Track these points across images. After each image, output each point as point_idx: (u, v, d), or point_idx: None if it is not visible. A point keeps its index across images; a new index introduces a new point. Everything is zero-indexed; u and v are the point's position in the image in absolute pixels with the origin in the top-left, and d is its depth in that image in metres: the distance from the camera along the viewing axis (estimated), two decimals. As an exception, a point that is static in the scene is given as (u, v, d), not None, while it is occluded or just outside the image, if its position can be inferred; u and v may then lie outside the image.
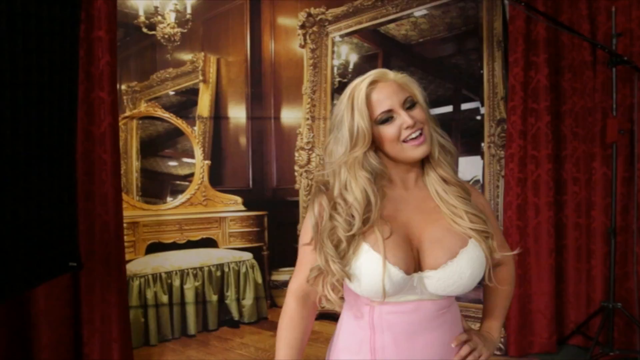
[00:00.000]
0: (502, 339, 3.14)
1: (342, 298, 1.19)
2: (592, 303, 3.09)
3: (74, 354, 2.49)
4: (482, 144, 3.26)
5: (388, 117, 1.15)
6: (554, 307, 3.10)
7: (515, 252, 1.25)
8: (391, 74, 1.19)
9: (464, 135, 3.36)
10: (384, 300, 1.11)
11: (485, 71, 3.23)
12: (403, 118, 1.13)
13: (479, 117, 3.28)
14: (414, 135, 1.14)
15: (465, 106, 3.34)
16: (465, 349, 1.16)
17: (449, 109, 3.36)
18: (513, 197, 3.08)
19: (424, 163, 1.22)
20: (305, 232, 1.20)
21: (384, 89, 1.15)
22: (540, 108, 3.06)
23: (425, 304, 1.14)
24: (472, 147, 3.33)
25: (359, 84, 1.16)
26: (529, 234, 3.10)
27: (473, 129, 3.31)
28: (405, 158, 1.16)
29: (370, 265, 1.09)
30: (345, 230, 1.11)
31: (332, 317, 1.27)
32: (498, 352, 3.13)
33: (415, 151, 1.15)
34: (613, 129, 2.81)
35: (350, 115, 1.15)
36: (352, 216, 1.12)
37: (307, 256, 1.19)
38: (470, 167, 3.34)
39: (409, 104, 1.15)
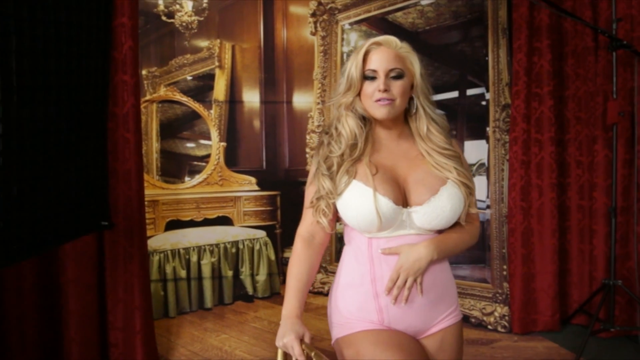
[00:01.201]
0: (506, 317, 3.24)
1: (331, 221, 1.35)
2: (595, 282, 3.17)
3: (100, 320, 2.63)
4: (487, 129, 3.36)
5: (372, 76, 1.31)
6: (557, 286, 3.19)
7: (481, 211, 1.41)
8: (395, 45, 1.34)
9: (469, 120, 3.46)
10: (380, 227, 1.25)
11: (490, 58, 3.33)
12: (379, 82, 1.29)
13: (484, 103, 3.39)
14: (382, 100, 1.30)
15: (470, 92, 3.44)
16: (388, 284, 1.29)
17: (454, 94, 3.46)
18: (517, 179, 3.18)
19: (415, 136, 1.38)
20: (310, 172, 1.37)
21: (381, 53, 1.31)
22: (543, 92, 3.16)
23: (414, 237, 1.30)
24: (477, 131, 3.44)
25: (367, 41, 1.32)
26: (532, 215, 3.20)
27: (478, 114, 3.41)
28: (372, 114, 1.33)
29: (362, 197, 1.25)
30: (335, 152, 1.30)
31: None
32: (502, 330, 3.23)
33: (377, 110, 1.32)
34: (613, 111, 2.90)
35: (350, 64, 1.31)
36: (341, 142, 1.31)
37: (311, 195, 1.35)
38: (475, 151, 3.44)
39: (394, 75, 1.31)
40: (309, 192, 1.37)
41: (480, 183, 3.43)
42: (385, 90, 1.29)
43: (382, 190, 1.27)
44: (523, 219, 3.18)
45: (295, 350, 1.23)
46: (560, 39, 3.24)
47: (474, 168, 3.45)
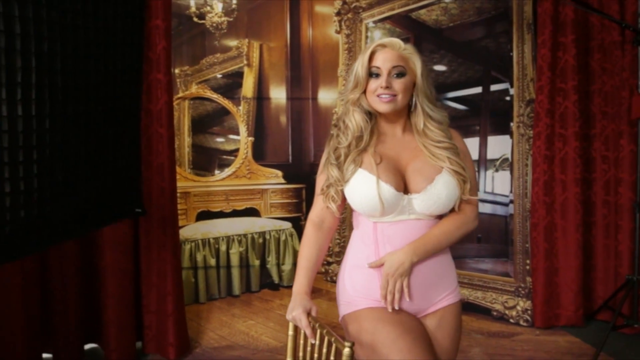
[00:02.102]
0: (529, 311, 3.26)
1: (340, 207, 1.47)
2: (620, 278, 3.15)
3: (135, 304, 2.80)
4: (511, 124, 3.38)
5: (375, 73, 1.42)
6: (581, 281, 3.19)
7: (477, 197, 1.47)
8: (399, 47, 1.45)
9: (493, 115, 3.49)
10: (383, 211, 1.36)
11: (514, 53, 3.35)
12: (382, 79, 1.40)
13: (508, 98, 3.40)
14: (384, 96, 1.40)
15: (494, 87, 3.46)
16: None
17: (478, 90, 3.49)
18: (540, 173, 3.20)
19: (414, 132, 1.48)
20: (321, 162, 1.48)
21: (385, 54, 1.42)
22: (568, 87, 3.16)
23: (415, 222, 1.41)
24: (501, 126, 3.46)
25: (373, 43, 1.43)
26: (556, 210, 3.21)
27: (502, 109, 3.44)
28: (375, 108, 1.44)
29: (367, 184, 1.36)
30: (343, 143, 1.41)
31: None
32: (525, 324, 3.26)
33: (380, 105, 1.42)
34: (638, 105, 2.88)
35: (358, 64, 1.42)
36: (348, 134, 1.42)
37: (321, 183, 1.47)
38: (499, 146, 3.47)
39: (397, 72, 1.41)
40: (320, 181, 1.49)
41: (503, 178, 3.46)
42: (387, 87, 1.40)
43: (385, 178, 1.38)
44: (546, 213, 3.19)
45: (303, 322, 1.36)
46: (586, 34, 3.22)
47: (497, 163, 3.48)
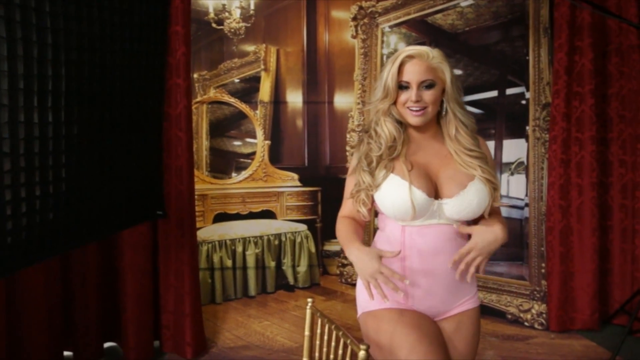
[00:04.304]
0: (544, 315, 3.25)
1: (369, 210, 1.49)
2: (637, 282, 3.14)
3: (153, 304, 2.86)
4: (527, 127, 3.38)
5: (405, 86, 1.44)
6: (597, 285, 3.18)
7: (504, 203, 1.50)
8: (428, 57, 1.44)
9: (509, 119, 3.48)
10: (414, 216, 1.38)
11: (531, 57, 3.34)
12: (412, 93, 1.42)
13: (524, 102, 3.40)
14: (415, 108, 1.42)
15: (510, 91, 3.46)
16: (461, 253, 1.39)
17: (494, 93, 3.49)
18: (555, 177, 3.19)
19: (445, 137, 1.50)
20: (351, 165, 1.51)
21: (414, 66, 1.43)
22: (584, 91, 3.14)
23: (443, 226, 1.43)
24: (516, 130, 3.46)
25: (402, 52, 1.45)
26: (572, 214, 3.20)
27: (518, 113, 3.43)
28: (406, 120, 1.46)
29: (399, 189, 1.39)
30: (375, 151, 1.43)
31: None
32: (540, 327, 3.25)
33: (411, 118, 1.45)
34: (656, 110, 2.87)
35: (386, 73, 1.44)
36: (381, 143, 1.44)
37: (351, 186, 1.49)
38: (514, 149, 3.46)
39: (426, 85, 1.43)
40: (349, 183, 1.52)
41: (519, 181, 3.46)
42: (418, 101, 1.42)
43: (417, 184, 1.40)
44: (562, 217, 3.18)
45: (386, 272, 1.30)
46: (603, 37, 3.21)
47: (513, 166, 3.48)
